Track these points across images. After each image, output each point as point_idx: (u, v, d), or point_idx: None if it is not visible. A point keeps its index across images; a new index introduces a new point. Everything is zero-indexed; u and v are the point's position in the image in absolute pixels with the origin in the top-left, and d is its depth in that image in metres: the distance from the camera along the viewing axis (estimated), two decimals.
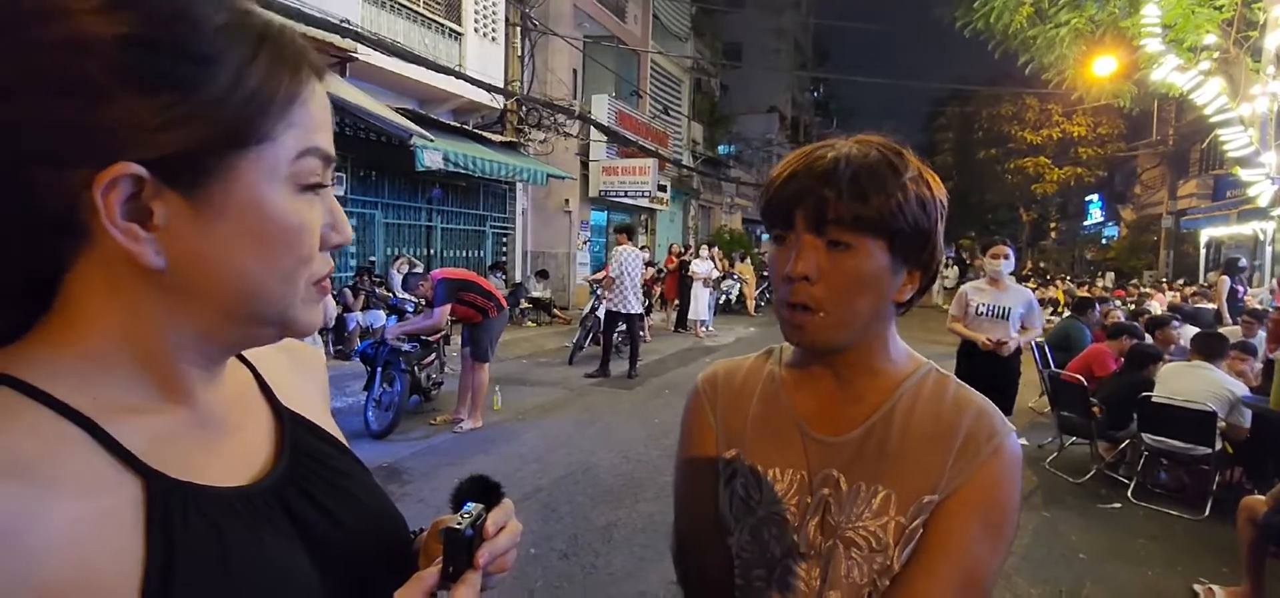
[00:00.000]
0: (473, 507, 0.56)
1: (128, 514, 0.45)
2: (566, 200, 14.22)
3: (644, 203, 16.08)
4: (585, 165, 14.65)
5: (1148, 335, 5.90)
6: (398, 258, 9.74)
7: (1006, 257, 4.68)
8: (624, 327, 8.30)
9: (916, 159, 0.82)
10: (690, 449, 0.94)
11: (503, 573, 0.59)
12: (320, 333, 4.31)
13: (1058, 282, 20.47)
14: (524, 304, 12.04)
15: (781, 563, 0.83)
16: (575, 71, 14.38)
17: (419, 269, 8.31)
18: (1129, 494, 4.61)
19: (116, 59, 0.43)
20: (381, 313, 8.12)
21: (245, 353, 0.62)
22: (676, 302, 13.06)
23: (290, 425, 0.61)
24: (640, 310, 8.28)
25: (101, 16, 0.43)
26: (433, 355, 6.29)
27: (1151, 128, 22.56)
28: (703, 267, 12.53)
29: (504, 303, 5.86)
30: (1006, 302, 4.66)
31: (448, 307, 5.40)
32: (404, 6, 9.69)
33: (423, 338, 5.89)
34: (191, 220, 0.46)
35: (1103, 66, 10.24)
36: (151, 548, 0.45)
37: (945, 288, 22.45)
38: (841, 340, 0.81)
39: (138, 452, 0.47)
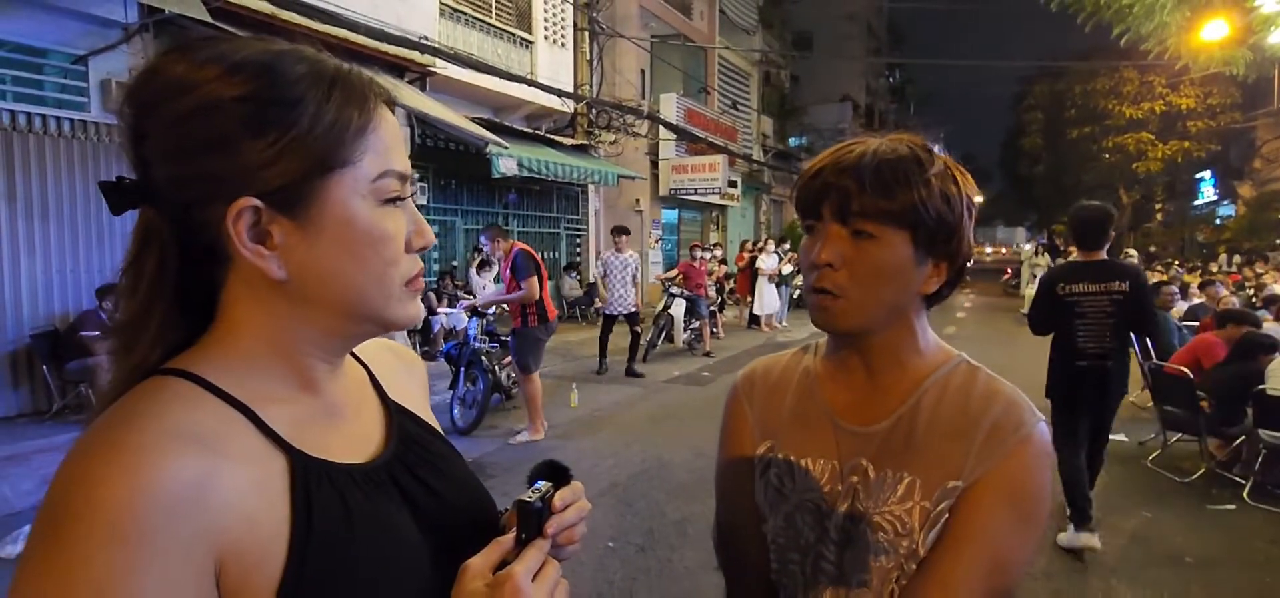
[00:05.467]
0: (542, 484, 0.64)
1: (277, 482, 0.56)
2: (637, 200, 14.37)
3: (714, 199, 16.02)
4: (655, 164, 14.76)
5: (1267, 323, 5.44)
6: (472, 257, 10.02)
7: None
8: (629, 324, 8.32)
9: (946, 157, 0.84)
10: (729, 444, 1.00)
11: (572, 544, 0.67)
12: (408, 333, 4.56)
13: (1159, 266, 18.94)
14: (598, 303, 12.25)
15: (814, 549, 0.87)
16: (643, 72, 14.49)
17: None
18: (1244, 495, 4.28)
19: (237, 113, 0.54)
20: (463, 314, 8.46)
21: (360, 354, 0.73)
22: (750, 298, 12.99)
23: (397, 415, 0.71)
24: (636, 309, 8.35)
25: (223, 82, 0.54)
26: (510, 356, 6.50)
27: (1272, 95, 20.56)
28: (769, 262, 12.39)
29: (552, 315, 5.62)
30: None
31: (534, 279, 5.35)
32: (477, 19, 10.06)
33: (501, 337, 6.10)
34: (300, 238, 0.56)
35: (1212, 31, 9.40)
36: (295, 509, 0.55)
37: (1036, 279, 21.23)
38: (864, 325, 0.84)
39: (282, 433, 0.58)
